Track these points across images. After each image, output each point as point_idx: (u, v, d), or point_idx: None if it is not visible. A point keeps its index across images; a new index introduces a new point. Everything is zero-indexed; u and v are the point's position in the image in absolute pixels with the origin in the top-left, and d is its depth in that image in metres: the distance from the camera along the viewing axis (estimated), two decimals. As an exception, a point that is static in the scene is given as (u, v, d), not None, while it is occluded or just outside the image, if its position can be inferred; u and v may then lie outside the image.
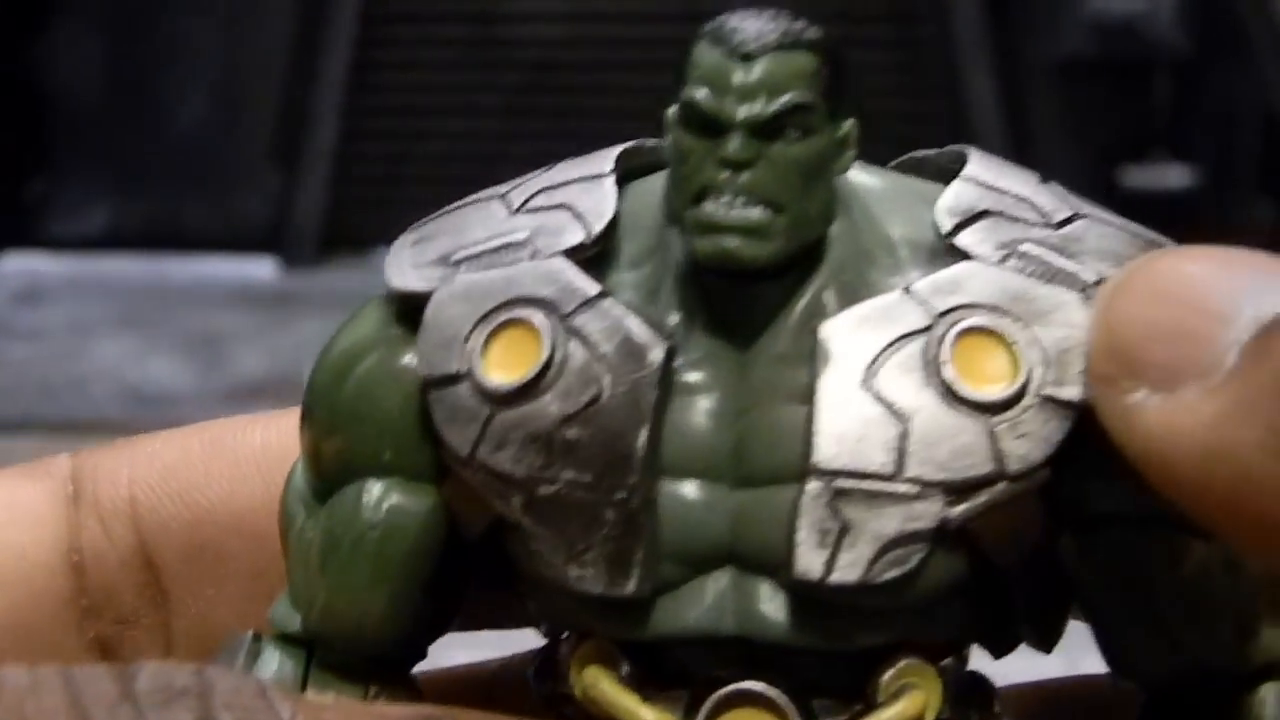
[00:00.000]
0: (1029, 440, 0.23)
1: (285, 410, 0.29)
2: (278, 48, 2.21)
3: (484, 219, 0.26)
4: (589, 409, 0.23)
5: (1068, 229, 0.24)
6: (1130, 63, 2.15)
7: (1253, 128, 2.17)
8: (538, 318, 0.24)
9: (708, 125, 0.23)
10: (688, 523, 0.23)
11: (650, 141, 0.26)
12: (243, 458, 0.30)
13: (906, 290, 0.23)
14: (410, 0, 2.23)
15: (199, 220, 2.21)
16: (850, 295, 0.24)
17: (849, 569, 0.22)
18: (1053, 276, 0.23)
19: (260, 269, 2.16)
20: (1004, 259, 0.24)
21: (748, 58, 0.23)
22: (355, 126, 2.20)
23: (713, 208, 0.23)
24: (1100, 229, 0.24)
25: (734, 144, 0.23)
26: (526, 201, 0.26)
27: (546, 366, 0.23)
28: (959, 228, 0.24)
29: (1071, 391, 0.23)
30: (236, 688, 0.20)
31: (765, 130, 0.23)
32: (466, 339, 0.24)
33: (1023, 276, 0.23)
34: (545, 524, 0.23)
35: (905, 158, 0.27)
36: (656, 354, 0.23)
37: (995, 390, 0.23)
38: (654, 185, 0.25)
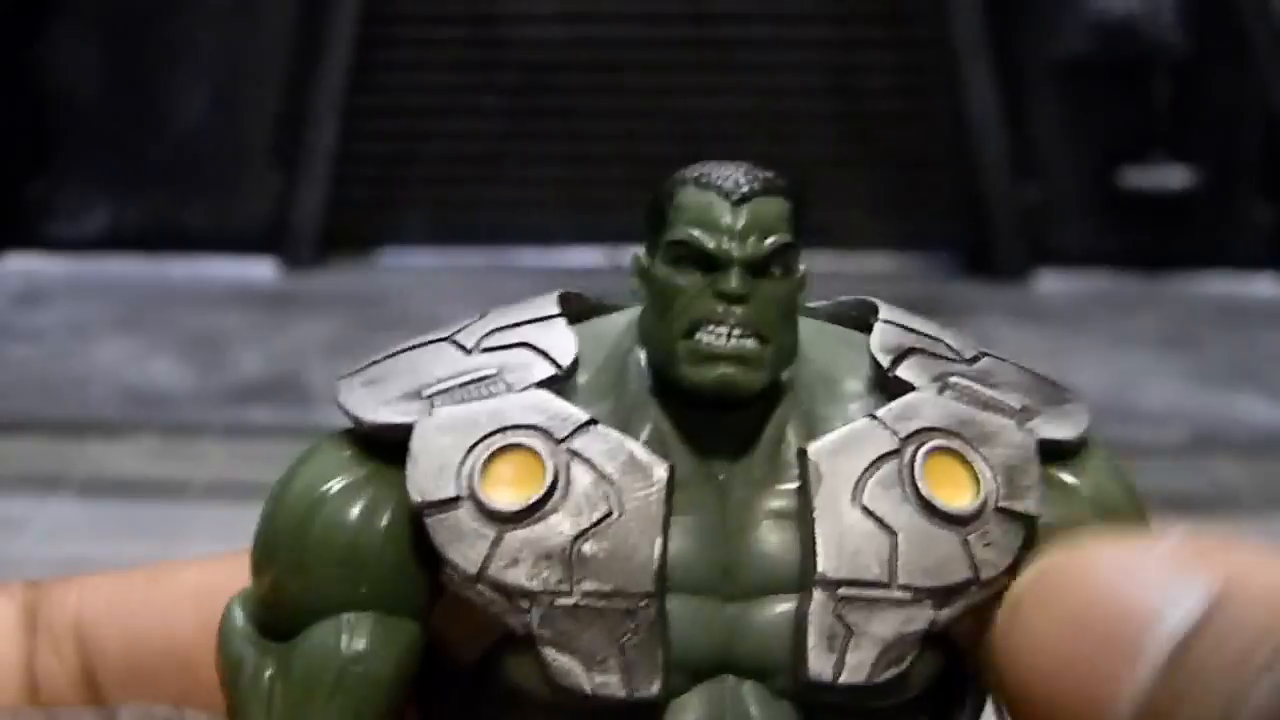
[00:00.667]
0: (995, 548, 0.25)
1: (220, 555, 0.30)
2: (278, 48, 2.21)
3: (439, 359, 0.27)
4: (602, 524, 0.24)
5: (979, 364, 0.27)
6: (1130, 63, 2.15)
7: (1253, 128, 2.18)
8: (535, 442, 0.25)
9: (701, 262, 0.25)
10: (687, 634, 0.25)
11: (574, 290, 0.28)
12: (178, 592, 0.30)
13: (873, 417, 0.25)
14: (410, 0, 2.23)
15: (199, 220, 2.22)
16: (808, 425, 0.26)
17: (857, 670, 0.24)
18: (985, 404, 0.26)
19: (260, 269, 2.16)
20: (940, 390, 0.26)
21: (739, 201, 0.25)
22: (355, 126, 2.20)
23: (710, 338, 0.25)
24: (1003, 366, 0.27)
25: (734, 279, 0.25)
26: (480, 342, 0.27)
27: (553, 487, 0.25)
28: (895, 363, 0.26)
29: (1022, 505, 0.25)
30: None
31: (757, 268, 0.25)
32: (462, 464, 0.25)
33: (962, 404, 0.26)
34: (564, 634, 0.24)
35: (813, 305, 0.28)
36: (662, 471, 0.25)
37: (963, 504, 0.25)
38: (599, 328, 0.27)
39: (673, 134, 2.10)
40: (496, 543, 0.24)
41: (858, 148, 2.16)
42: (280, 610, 0.26)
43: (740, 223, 0.25)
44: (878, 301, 0.27)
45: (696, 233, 0.25)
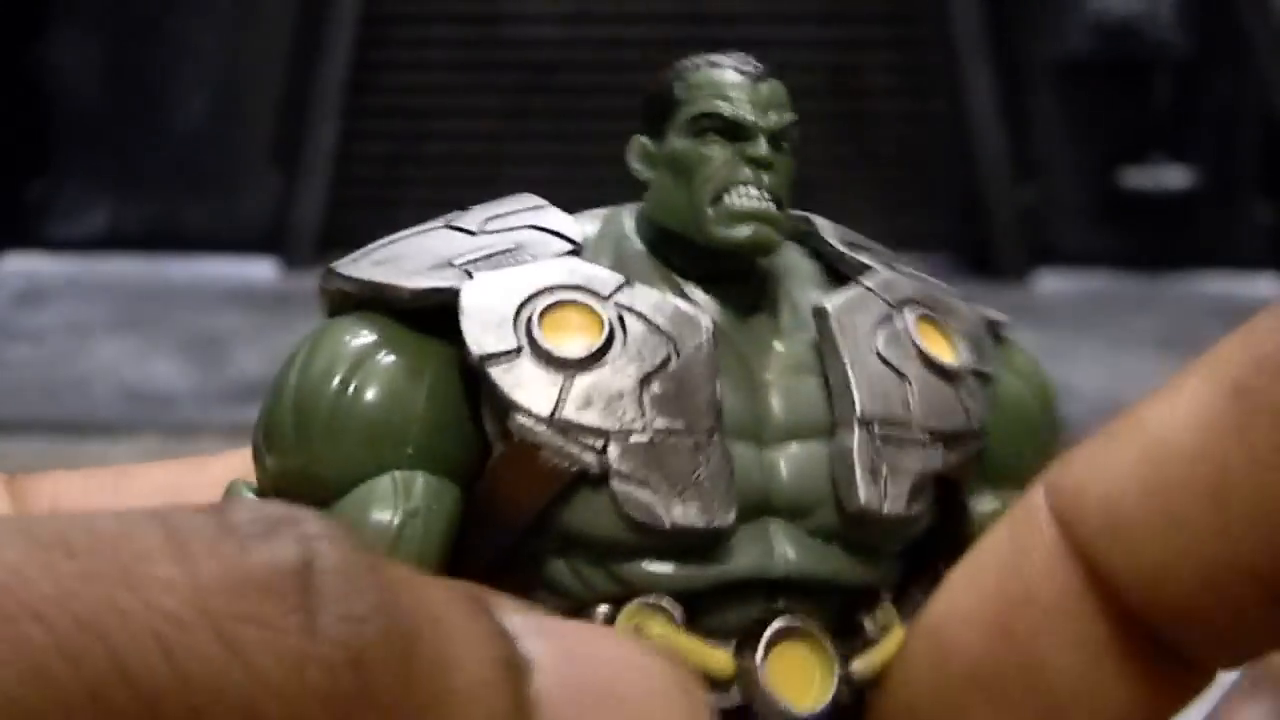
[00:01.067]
0: (978, 402, 0.27)
1: (182, 459, 0.31)
2: (278, 48, 2.21)
3: (449, 241, 0.27)
4: (664, 367, 0.26)
5: (903, 262, 0.29)
6: (1130, 63, 2.15)
7: (1253, 128, 2.18)
8: (584, 297, 0.26)
9: (726, 133, 0.27)
10: (737, 475, 0.26)
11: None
12: (145, 489, 0.30)
13: (865, 287, 0.28)
14: (410, 0, 2.23)
15: (199, 220, 2.22)
16: (791, 301, 0.28)
17: (896, 501, 0.26)
18: (929, 285, 0.28)
19: (260, 269, 2.16)
20: (894, 274, 0.28)
21: (756, 78, 0.27)
22: (355, 126, 2.20)
23: (741, 200, 0.27)
24: (906, 265, 0.29)
25: (763, 146, 0.27)
26: (483, 226, 0.28)
27: (611, 336, 0.26)
28: (850, 250, 0.29)
29: (988, 367, 0.27)
30: (327, 521, 0.19)
31: (776, 140, 0.27)
32: (517, 318, 0.26)
33: (917, 283, 0.28)
34: (641, 469, 0.25)
35: None
36: (707, 320, 0.26)
37: (951, 361, 0.27)
38: (583, 220, 0.28)
39: (673, 134, 2.10)
40: (565, 387, 0.25)
41: (857, 148, 2.16)
42: (312, 485, 0.26)
43: (761, 96, 0.27)
44: (807, 214, 0.30)
45: (723, 104, 0.27)
